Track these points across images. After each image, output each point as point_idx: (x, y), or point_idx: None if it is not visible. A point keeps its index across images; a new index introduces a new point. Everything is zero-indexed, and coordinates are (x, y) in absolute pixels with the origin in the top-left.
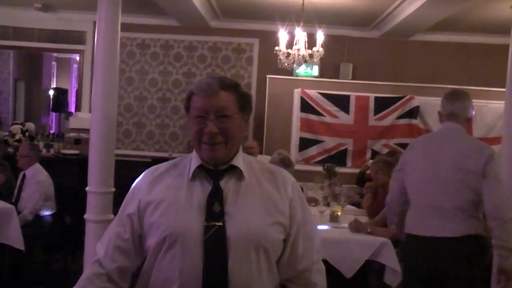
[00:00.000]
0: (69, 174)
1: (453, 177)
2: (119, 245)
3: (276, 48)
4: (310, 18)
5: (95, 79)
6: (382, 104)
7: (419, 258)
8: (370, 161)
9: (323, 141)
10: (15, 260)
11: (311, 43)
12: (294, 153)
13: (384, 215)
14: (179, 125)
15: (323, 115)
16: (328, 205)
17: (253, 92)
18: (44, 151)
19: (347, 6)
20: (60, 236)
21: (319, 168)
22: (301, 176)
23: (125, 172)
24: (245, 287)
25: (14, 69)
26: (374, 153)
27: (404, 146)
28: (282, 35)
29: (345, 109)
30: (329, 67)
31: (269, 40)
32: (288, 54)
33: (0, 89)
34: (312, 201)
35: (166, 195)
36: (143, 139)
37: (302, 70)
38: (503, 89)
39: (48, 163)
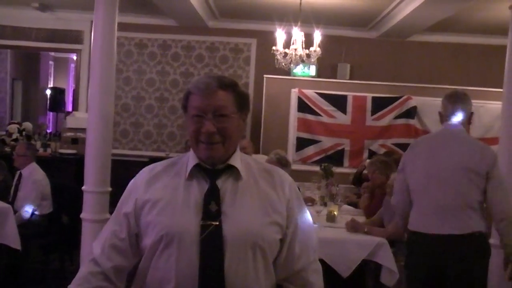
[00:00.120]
0: (66, 173)
1: (457, 177)
2: (115, 244)
3: (274, 48)
4: (308, 18)
5: (92, 78)
6: (379, 104)
7: (424, 256)
8: (367, 160)
9: (320, 141)
10: (12, 260)
11: (308, 43)
12: (291, 153)
13: (381, 215)
14: (177, 125)
15: (320, 115)
16: (325, 205)
17: (250, 92)
18: (41, 150)
19: (345, 6)
20: (57, 235)
21: (316, 168)
22: (298, 176)
23: (122, 171)
24: (241, 286)
25: (12, 69)
26: (371, 153)
27: (401, 146)
28: (280, 35)
29: (343, 109)
30: (326, 67)
31: (267, 40)
32: (286, 54)
33: None
34: (309, 201)
35: (163, 194)
36: (140, 139)
37: (299, 70)
38: (501, 90)
39: (45, 163)
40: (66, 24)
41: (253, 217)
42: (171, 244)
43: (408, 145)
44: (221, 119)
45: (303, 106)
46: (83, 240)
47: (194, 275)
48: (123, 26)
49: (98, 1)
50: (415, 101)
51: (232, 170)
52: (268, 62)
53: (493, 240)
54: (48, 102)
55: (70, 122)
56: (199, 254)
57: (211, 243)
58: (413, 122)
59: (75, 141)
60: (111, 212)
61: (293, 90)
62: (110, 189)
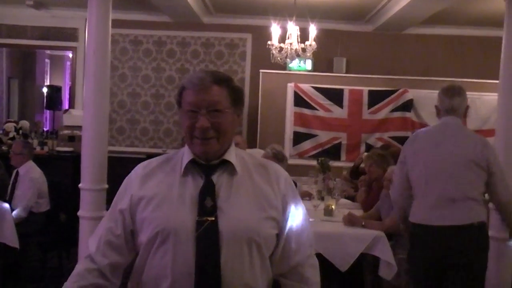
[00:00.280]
0: (63, 171)
1: (461, 169)
2: (111, 240)
3: (269, 42)
4: (303, 12)
5: (86, 76)
6: (375, 98)
7: (427, 247)
8: (364, 154)
9: (317, 135)
10: (10, 258)
11: (304, 37)
12: (288, 148)
13: (379, 208)
14: (173, 121)
15: (316, 109)
16: (322, 199)
17: (246, 87)
18: (38, 148)
19: (340, 0)
20: (55, 233)
21: (313, 162)
22: (295, 170)
23: (119, 169)
24: (238, 282)
25: (8, 67)
26: (368, 147)
27: (398, 139)
28: (275, 30)
29: (339, 103)
30: (322, 61)
31: (262, 35)
32: (281, 49)
33: None
34: (307, 195)
35: (158, 190)
36: (137, 136)
37: (295, 65)
38: (497, 81)
39: (42, 161)
40: (61, 21)
41: (249, 212)
42: (167, 241)
43: (405, 138)
44: (216, 114)
45: (299, 100)
46: (81, 238)
47: (190, 271)
48: (117, 23)
49: None
50: (412, 94)
51: (227, 165)
52: (263, 57)
53: (491, 232)
54: (44, 100)
55: (67, 120)
56: (195, 250)
57: (207, 239)
58: (409, 115)
59: (72, 139)
60: (108, 209)
61: (289, 84)
62: (106, 186)
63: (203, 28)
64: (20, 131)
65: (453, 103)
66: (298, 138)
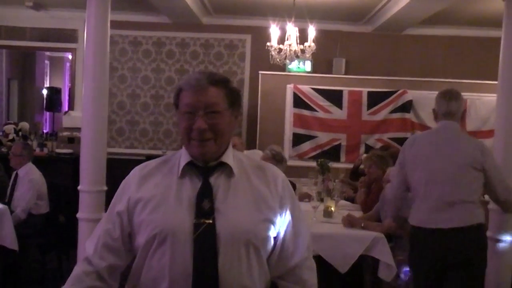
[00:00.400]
0: (63, 173)
1: (461, 172)
2: (109, 243)
3: (268, 43)
4: (302, 13)
5: (85, 77)
6: (375, 99)
7: (427, 249)
8: (364, 155)
9: (316, 137)
10: (10, 260)
11: (303, 38)
12: (287, 149)
13: (378, 209)
14: (173, 122)
15: (316, 111)
16: (322, 200)
17: (245, 88)
18: (37, 150)
19: (339, 1)
20: (54, 235)
21: (313, 164)
22: (294, 171)
23: (119, 170)
24: (235, 284)
25: (7, 69)
26: (368, 148)
27: (397, 140)
28: (274, 31)
29: (338, 104)
30: (322, 62)
31: (261, 36)
32: (280, 50)
33: None
34: (306, 196)
35: (155, 192)
36: (136, 137)
37: (294, 66)
38: (497, 82)
39: (41, 162)
40: (60, 23)
41: (246, 214)
42: (165, 243)
43: (404, 139)
44: (213, 116)
45: (298, 101)
46: (80, 240)
47: (188, 273)
48: (117, 24)
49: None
50: (411, 95)
51: (224, 167)
52: (263, 58)
53: (490, 233)
54: (44, 101)
55: (66, 121)
56: (192, 252)
57: (205, 241)
58: (409, 116)
59: (71, 141)
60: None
61: (288, 86)
62: (105, 188)
63: (203, 29)
64: (20, 133)
65: (450, 107)
66: (298, 139)
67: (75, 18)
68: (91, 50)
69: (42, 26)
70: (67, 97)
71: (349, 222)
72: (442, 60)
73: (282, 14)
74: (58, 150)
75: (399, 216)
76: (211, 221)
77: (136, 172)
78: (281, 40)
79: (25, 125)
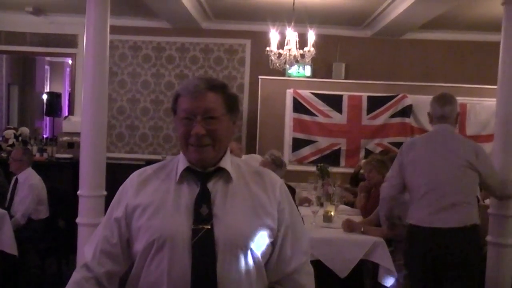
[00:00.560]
0: (63, 178)
1: (459, 174)
2: (107, 249)
3: (268, 48)
4: (301, 18)
5: (84, 82)
6: (375, 103)
7: (424, 247)
8: (363, 160)
9: (316, 141)
10: (9, 265)
11: (302, 43)
12: (287, 154)
13: (378, 214)
14: (173, 127)
15: (316, 115)
16: (321, 205)
17: (245, 93)
18: (37, 155)
19: (338, 6)
20: (54, 240)
21: (313, 169)
22: (294, 176)
23: (119, 175)
24: None
25: (7, 74)
26: (368, 153)
27: (397, 145)
28: (273, 36)
29: (338, 109)
30: (321, 67)
31: (261, 40)
32: (280, 55)
33: None
34: (306, 201)
35: (153, 198)
36: (136, 142)
37: (294, 71)
38: (496, 86)
39: (41, 167)
40: (60, 28)
41: (244, 220)
42: (163, 249)
43: None
44: (211, 121)
45: (298, 106)
46: (79, 245)
47: (186, 279)
48: (116, 29)
49: (89, 4)
50: (411, 99)
51: (222, 173)
52: (263, 63)
53: (490, 238)
54: (44, 106)
55: (66, 126)
56: (191, 258)
57: (203, 247)
58: (408, 120)
59: (71, 146)
60: None
61: (288, 90)
62: (105, 193)
63: (202, 34)
64: (20, 138)
65: (444, 111)
66: (298, 144)
67: (75, 23)
68: (90, 55)
69: (42, 31)
70: (67, 102)
71: (349, 226)
72: (441, 64)
73: (281, 19)
74: (58, 155)
75: (391, 215)
76: (209, 227)
77: (133, 178)
78: (281, 45)
79: (25, 130)
